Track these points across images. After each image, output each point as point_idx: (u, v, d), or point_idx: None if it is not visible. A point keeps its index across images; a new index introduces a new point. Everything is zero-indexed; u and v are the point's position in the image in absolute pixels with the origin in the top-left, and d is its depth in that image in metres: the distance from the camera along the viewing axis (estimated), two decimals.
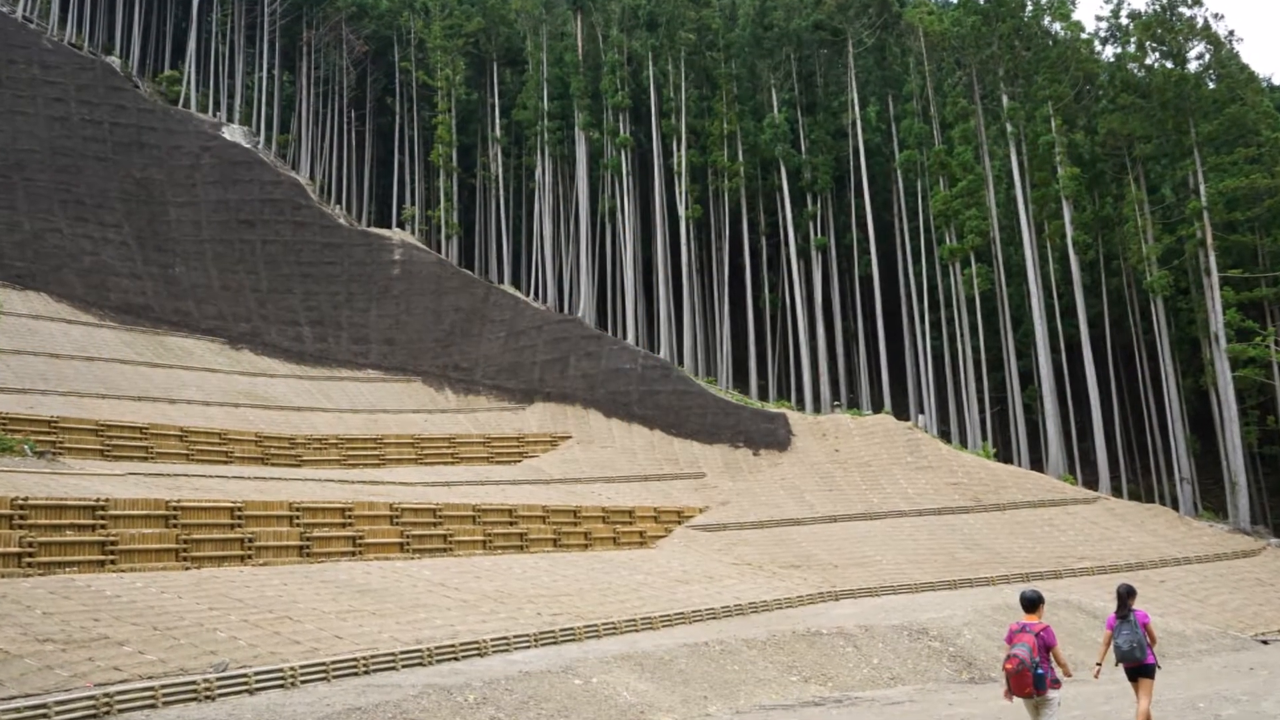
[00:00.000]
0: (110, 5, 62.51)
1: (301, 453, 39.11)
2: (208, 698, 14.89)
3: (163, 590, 20.12)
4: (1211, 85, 49.13)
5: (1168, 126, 46.62)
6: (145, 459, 33.70)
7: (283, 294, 51.88)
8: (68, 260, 49.19)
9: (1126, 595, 10.46)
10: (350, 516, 28.11)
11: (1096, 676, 11.21)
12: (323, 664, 16.72)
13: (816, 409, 51.45)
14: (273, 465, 37.28)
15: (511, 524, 32.34)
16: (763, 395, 55.32)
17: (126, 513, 23.07)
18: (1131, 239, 47.33)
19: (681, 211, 54.32)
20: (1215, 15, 55.52)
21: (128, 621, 17.52)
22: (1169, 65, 47.11)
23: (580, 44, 58.97)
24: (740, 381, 55.73)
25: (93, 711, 13.59)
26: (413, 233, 58.70)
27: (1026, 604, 9.11)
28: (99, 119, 52.47)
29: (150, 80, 60.60)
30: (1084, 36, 53.25)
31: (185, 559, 23.17)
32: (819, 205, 56.39)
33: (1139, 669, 10.39)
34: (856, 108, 55.44)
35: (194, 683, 14.93)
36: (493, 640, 19.85)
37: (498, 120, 62.47)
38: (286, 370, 49.07)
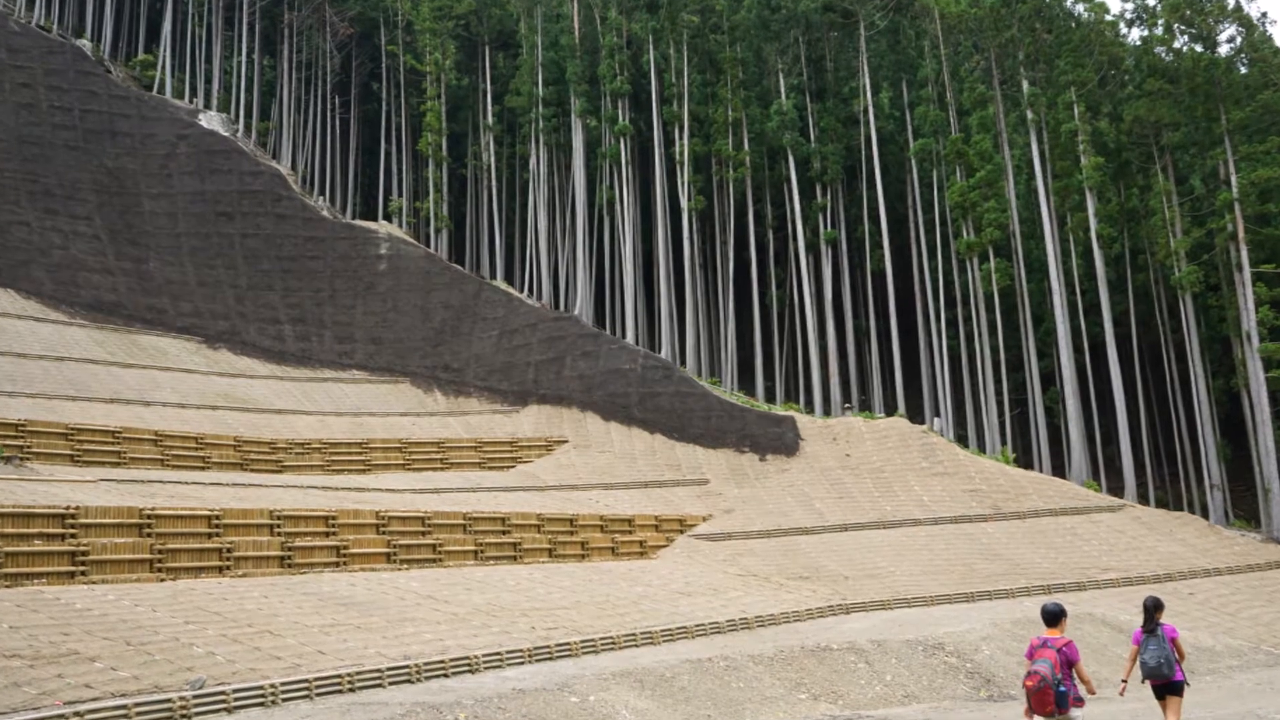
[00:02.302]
0: None
1: (283, 458, 39.13)
2: (184, 717, 14.89)
3: (136, 603, 20.12)
4: (1243, 70, 49.11)
5: (1197, 114, 46.63)
6: (118, 464, 33.71)
7: (263, 290, 51.90)
8: (36, 255, 49.21)
9: (1154, 608, 10.47)
10: (334, 525, 28.12)
11: (1122, 694, 11.22)
12: (305, 681, 16.72)
13: (826, 412, 51.47)
14: (252, 471, 37.29)
15: (504, 533, 32.34)
16: (769, 397, 55.36)
17: (98, 521, 23.08)
18: (1159, 232, 47.34)
19: (684, 203, 54.32)
20: None
21: (99, 636, 17.52)
22: (1198, 49, 47.12)
23: (577, 26, 59.00)
24: (746, 383, 55.76)
25: None
26: (400, 226, 58.74)
27: (1048, 617, 9.11)
28: (69, 105, 52.49)
29: (123, 65, 60.62)
30: (1108, 18, 53.29)
31: (160, 570, 23.17)
32: (829, 197, 56.42)
33: (1167, 686, 10.40)
34: (868, 94, 55.45)
35: (169, 701, 14.93)
36: (484, 656, 19.86)
37: (490, 107, 62.49)
38: (267, 371, 49.11)
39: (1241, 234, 44.03)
